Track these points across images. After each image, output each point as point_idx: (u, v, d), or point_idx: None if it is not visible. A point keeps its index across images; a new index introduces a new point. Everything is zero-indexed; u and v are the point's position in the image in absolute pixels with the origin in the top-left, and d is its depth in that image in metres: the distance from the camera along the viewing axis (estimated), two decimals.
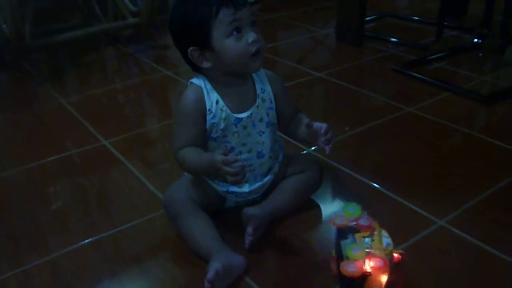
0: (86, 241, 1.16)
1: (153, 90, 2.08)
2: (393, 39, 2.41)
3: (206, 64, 1.08)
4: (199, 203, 1.12)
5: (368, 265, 0.88)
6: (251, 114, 1.12)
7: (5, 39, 2.22)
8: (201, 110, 1.09)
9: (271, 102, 1.16)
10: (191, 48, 1.07)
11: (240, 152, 1.13)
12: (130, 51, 2.51)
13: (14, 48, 2.15)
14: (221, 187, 1.16)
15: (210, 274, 0.95)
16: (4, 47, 2.29)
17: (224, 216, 1.18)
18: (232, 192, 1.16)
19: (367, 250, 0.91)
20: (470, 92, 1.84)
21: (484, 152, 1.47)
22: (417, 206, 1.22)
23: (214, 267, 0.96)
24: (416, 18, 2.71)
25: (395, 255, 0.99)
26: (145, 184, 1.37)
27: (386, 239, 0.95)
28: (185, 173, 1.20)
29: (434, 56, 2.17)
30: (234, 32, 1.03)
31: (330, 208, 1.25)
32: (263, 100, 1.14)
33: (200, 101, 1.09)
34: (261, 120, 1.14)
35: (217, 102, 1.09)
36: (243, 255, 1.04)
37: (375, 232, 0.95)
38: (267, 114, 1.15)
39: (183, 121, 1.11)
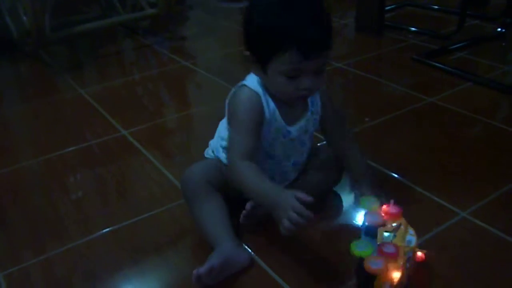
0: (106, 230, 1.17)
1: (171, 81, 2.08)
2: (413, 29, 2.37)
3: (255, 72, 1.04)
4: (217, 188, 1.10)
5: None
6: (300, 127, 1.09)
7: (25, 31, 2.24)
8: (259, 119, 1.03)
9: (318, 114, 1.12)
10: (248, 52, 1.02)
11: (280, 161, 1.12)
12: (148, 42, 2.52)
13: (34, 39, 2.16)
14: None
15: (204, 269, 0.93)
16: (24, 39, 2.31)
17: (243, 204, 1.17)
18: None
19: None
20: (492, 82, 1.81)
21: (507, 143, 1.44)
22: (439, 197, 1.21)
23: (211, 263, 0.94)
24: (436, 7, 2.67)
25: (419, 253, 0.97)
26: (164, 174, 1.37)
27: (411, 237, 0.93)
28: (206, 156, 1.19)
29: (456, 46, 2.13)
30: (290, 75, 0.97)
31: (350, 198, 1.23)
32: (312, 113, 1.11)
33: (259, 109, 1.03)
34: (306, 132, 1.11)
35: (273, 112, 1.04)
36: (247, 253, 1.04)
37: (401, 227, 0.93)
38: (313, 125, 1.13)
39: (241, 128, 1.03)
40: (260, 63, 1.00)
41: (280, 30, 0.94)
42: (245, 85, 1.05)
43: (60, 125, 1.73)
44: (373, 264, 0.85)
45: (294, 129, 1.08)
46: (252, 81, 1.05)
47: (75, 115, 1.80)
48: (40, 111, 1.84)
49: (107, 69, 2.23)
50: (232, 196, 1.14)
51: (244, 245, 1.07)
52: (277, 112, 1.05)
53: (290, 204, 0.87)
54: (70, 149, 1.54)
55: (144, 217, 1.20)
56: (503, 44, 2.20)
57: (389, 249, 0.87)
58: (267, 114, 1.04)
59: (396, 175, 1.31)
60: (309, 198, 0.88)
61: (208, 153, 1.20)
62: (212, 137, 1.21)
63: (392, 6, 2.67)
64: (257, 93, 1.03)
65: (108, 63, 2.30)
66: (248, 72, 1.08)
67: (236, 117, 1.04)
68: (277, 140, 1.08)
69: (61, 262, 1.08)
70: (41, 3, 2.06)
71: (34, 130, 1.73)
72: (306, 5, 0.96)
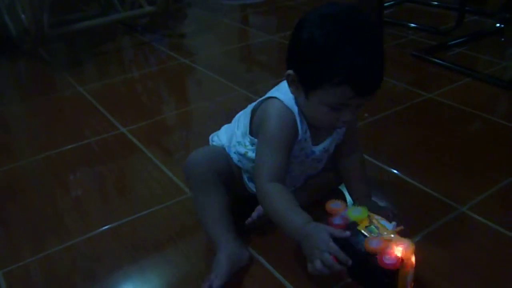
0: (106, 227, 1.17)
1: (170, 78, 2.08)
2: (412, 25, 2.37)
3: (294, 93, 0.97)
4: (223, 178, 1.07)
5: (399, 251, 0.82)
6: (323, 147, 1.05)
7: (24, 29, 2.23)
8: (293, 137, 0.99)
9: (343, 134, 1.09)
10: (292, 72, 0.94)
11: (294, 176, 1.10)
12: (147, 39, 2.52)
13: (32, 37, 2.16)
14: (250, 186, 1.12)
15: (216, 284, 0.93)
16: (23, 36, 2.31)
17: (247, 200, 1.17)
18: None
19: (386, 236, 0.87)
20: (491, 77, 1.81)
21: (506, 138, 1.45)
22: (438, 192, 1.21)
23: (220, 274, 0.95)
24: (435, 3, 2.67)
25: (399, 228, 0.94)
26: (164, 171, 1.37)
27: (386, 223, 0.90)
28: (214, 143, 1.16)
29: (455, 42, 2.13)
30: (333, 107, 0.92)
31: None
32: (337, 133, 1.08)
33: (293, 127, 0.98)
34: (327, 151, 1.08)
35: (305, 132, 1.00)
36: (248, 252, 1.04)
37: (373, 219, 0.89)
38: (335, 145, 1.10)
39: (272, 145, 0.97)
40: (304, 87, 0.94)
41: (340, 64, 0.86)
42: (277, 99, 0.98)
43: (59, 123, 1.72)
44: (371, 243, 0.82)
45: (317, 149, 1.05)
46: (286, 97, 0.98)
47: (74, 112, 1.80)
48: (39, 109, 1.84)
49: (106, 67, 2.23)
50: (238, 189, 1.13)
51: (246, 243, 1.07)
52: (308, 133, 1.01)
53: (326, 243, 0.83)
54: (69, 146, 1.54)
55: (143, 214, 1.20)
56: (502, 39, 2.20)
57: (390, 261, 0.82)
58: (300, 133, 0.99)
59: (395, 171, 1.31)
60: (344, 234, 0.84)
61: (214, 139, 1.17)
62: (211, 132, 1.20)
63: (391, 2, 2.67)
64: (291, 111, 0.97)
65: (107, 61, 2.30)
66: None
67: (267, 132, 0.98)
68: (297, 159, 1.05)
69: (60, 259, 1.08)
70: (40, 0, 2.06)
71: (33, 127, 1.72)
72: (370, 40, 0.89)
